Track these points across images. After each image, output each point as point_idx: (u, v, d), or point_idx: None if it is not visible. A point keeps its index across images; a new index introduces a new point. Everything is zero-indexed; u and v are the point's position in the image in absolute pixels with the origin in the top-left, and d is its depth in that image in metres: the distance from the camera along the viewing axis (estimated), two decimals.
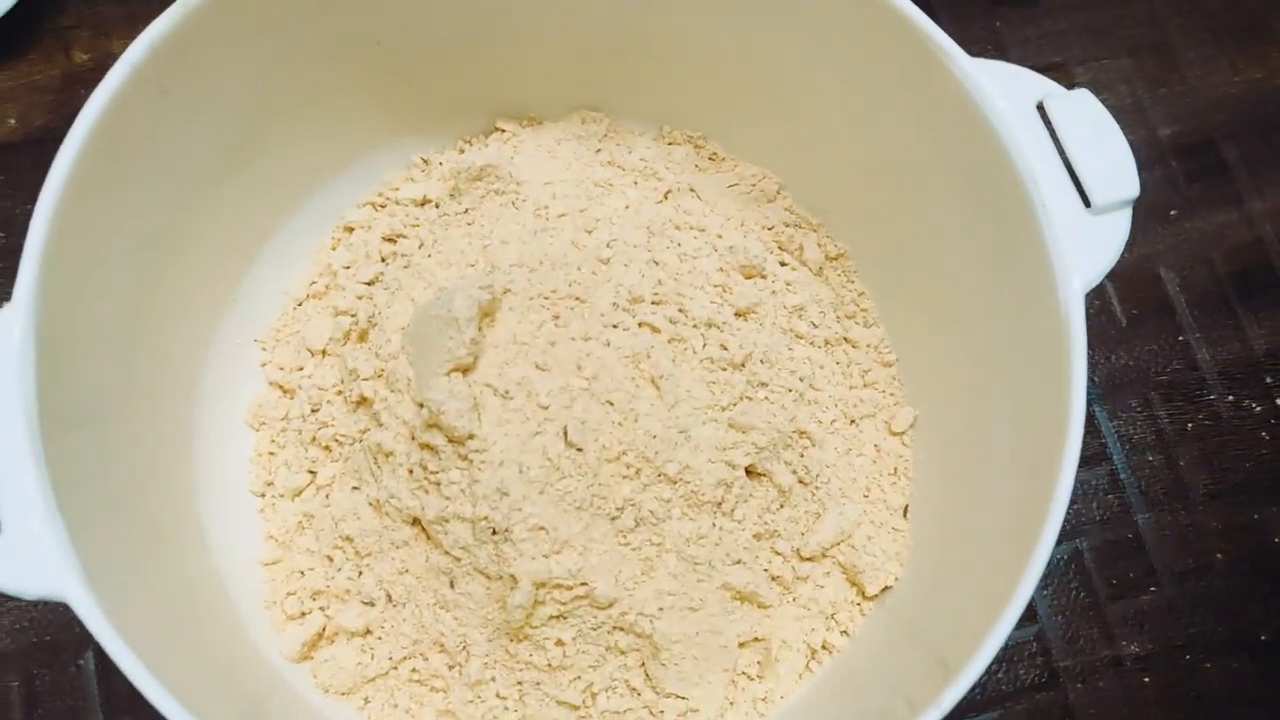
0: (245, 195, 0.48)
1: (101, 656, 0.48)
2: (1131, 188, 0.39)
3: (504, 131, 0.54)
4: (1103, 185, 0.39)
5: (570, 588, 0.42)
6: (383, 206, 0.53)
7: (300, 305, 0.51)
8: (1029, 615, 0.51)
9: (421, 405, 0.43)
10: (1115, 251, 0.39)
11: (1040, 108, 0.41)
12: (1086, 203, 0.39)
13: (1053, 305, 0.39)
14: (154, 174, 0.43)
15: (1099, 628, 0.51)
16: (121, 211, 0.41)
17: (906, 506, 0.48)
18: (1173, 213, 0.59)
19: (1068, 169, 0.40)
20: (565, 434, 0.42)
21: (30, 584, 0.33)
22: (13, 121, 0.55)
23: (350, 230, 0.53)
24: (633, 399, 0.43)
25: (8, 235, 0.53)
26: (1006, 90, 0.41)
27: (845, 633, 0.47)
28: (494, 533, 0.42)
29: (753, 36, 0.48)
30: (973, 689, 0.48)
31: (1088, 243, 0.39)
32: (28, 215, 0.53)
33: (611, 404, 0.43)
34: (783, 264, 0.51)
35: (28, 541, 0.33)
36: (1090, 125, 0.41)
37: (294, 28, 0.44)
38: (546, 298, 0.45)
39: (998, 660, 0.50)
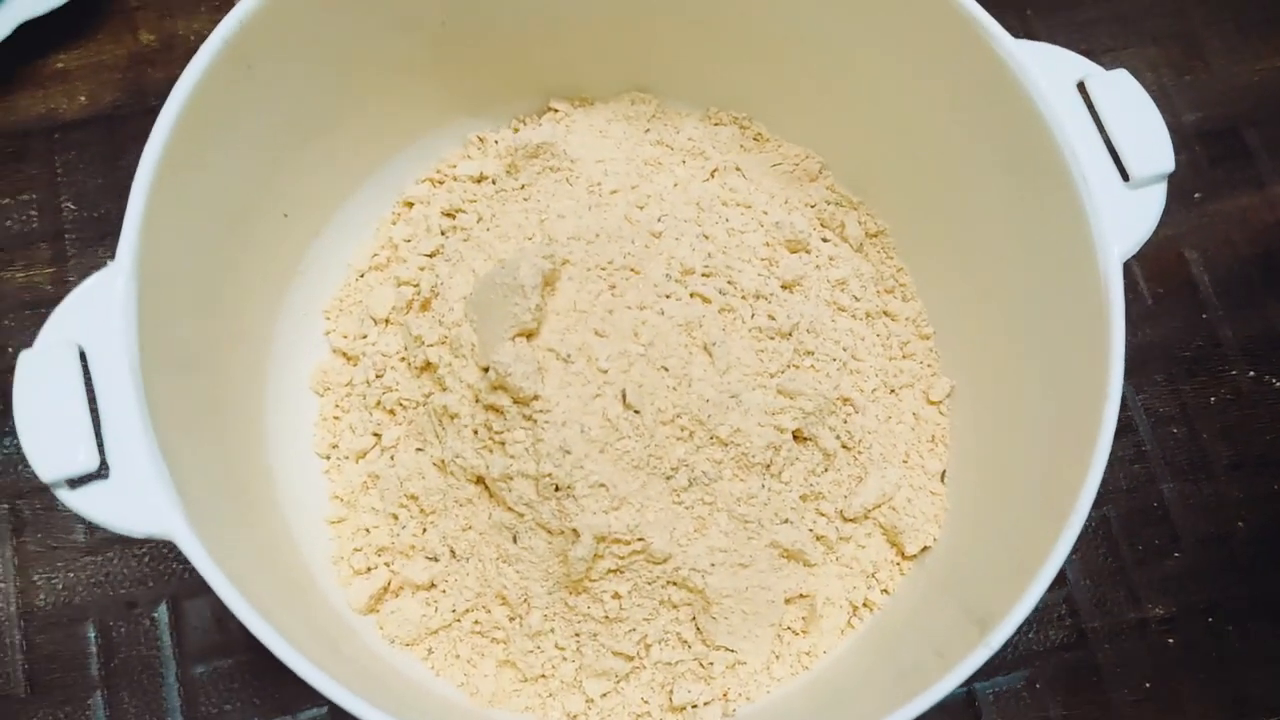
0: (313, 170, 0.50)
1: (175, 609, 0.49)
2: (1167, 162, 0.41)
3: (557, 112, 0.56)
4: (1140, 159, 0.41)
5: (628, 542, 0.43)
6: (441, 183, 0.54)
7: (363, 276, 0.53)
8: (1059, 579, 0.53)
9: (487, 369, 0.44)
10: (1152, 223, 0.41)
11: (1080, 87, 0.43)
12: (1124, 177, 0.41)
13: (1092, 275, 0.41)
14: (235, 146, 0.44)
15: (1125, 591, 0.53)
16: (206, 180, 0.43)
17: (944, 472, 0.50)
18: (1196, 196, 0.61)
19: (1106, 145, 0.42)
20: (624, 396, 0.44)
21: (139, 523, 0.34)
22: (83, 99, 0.57)
23: (410, 205, 0.54)
24: (686, 365, 0.45)
25: (79, 208, 0.55)
26: (1048, 70, 0.43)
27: (885, 591, 0.48)
28: (557, 489, 0.43)
29: (798, 20, 0.50)
30: (1005, 648, 0.50)
31: (1125, 214, 0.41)
32: (99, 189, 0.56)
33: (666, 369, 0.44)
34: (825, 240, 0.53)
35: (135, 483, 0.34)
36: (1128, 103, 0.42)
37: (367, 5, 0.46)
38: (603, 269, 0.46)
39: (1029, 621, 0.52)
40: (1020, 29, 0.63)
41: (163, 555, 0.50)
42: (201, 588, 0.50)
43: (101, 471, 0.35)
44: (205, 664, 0.49)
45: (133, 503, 0.35)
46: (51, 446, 0.34)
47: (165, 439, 0.36)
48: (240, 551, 0.39)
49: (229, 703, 0.48)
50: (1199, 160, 0.61)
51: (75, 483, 0.35)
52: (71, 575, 0.50)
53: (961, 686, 0.49)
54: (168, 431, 0.37)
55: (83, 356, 0.36)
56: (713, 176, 0.54)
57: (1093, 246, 0.41)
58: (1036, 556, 0.38)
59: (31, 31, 0.56)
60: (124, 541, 0.50)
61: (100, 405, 0.35)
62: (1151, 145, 0.42)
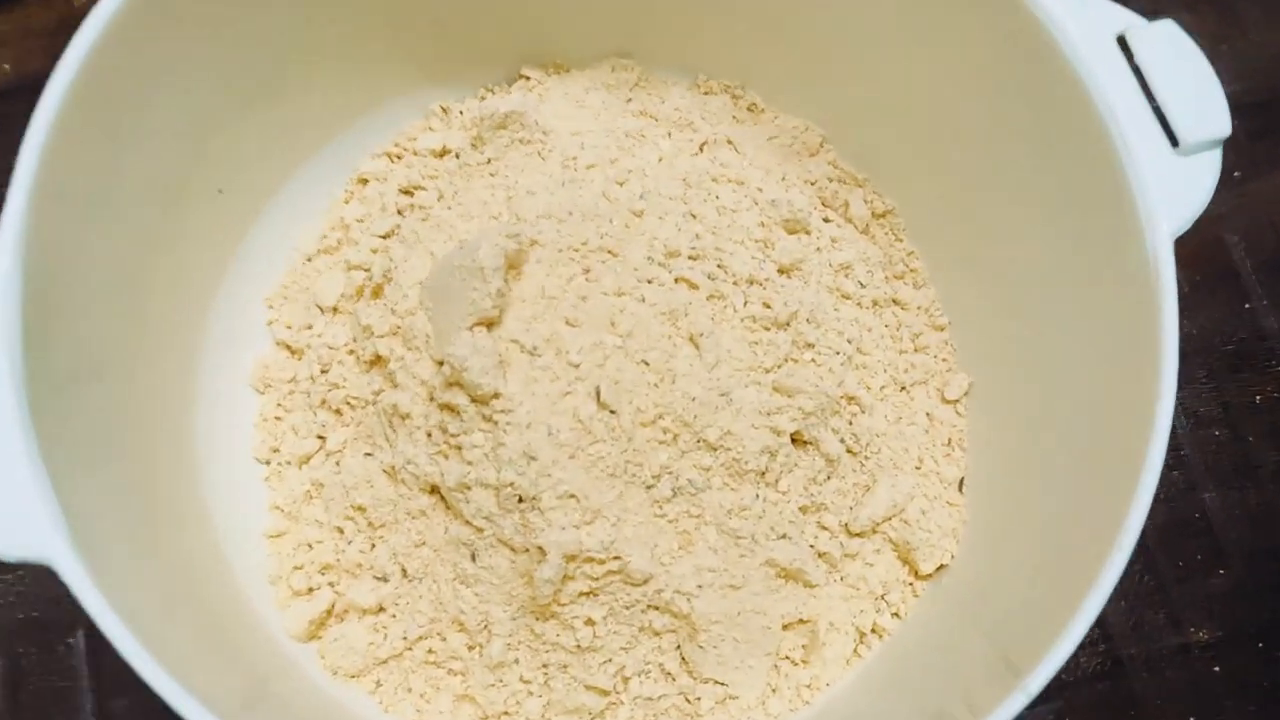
0: (253, 144, 0.46)
1: (93, 635, 0.45)
2: (1223, 125, 0.37)
3: (529, 79, 0.51)
4: (1191, 122, 0.37)
5: (602, 561, 0.39)
6: (399, 157, 0.50)
7: (310, 260, 0.49)
8: None
9: (442, 363, 0.40)
10: (1205, 195, 0.36)
11: (1121, 41, 0.38)
12: (1174, 142, 0.36)
13: (1138, 254, 0.36)
14: (157, 111, 0.40)
15: (1165, 613, 0.48)
16: (120, 150, 0.39)
17: (962, 480, 0.45)
18: (1236, 174, 0.56)
19: (1152, 106, 0.37)
20: (598, 394, 0.39)
21: (10, 544, 0.29)
22: (7, 67, 0.52)
23: (364, 182, 0.50)
24: (670, 358, 0.40)
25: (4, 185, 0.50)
26: (1083, 22, 0.38)
27: (897, 615, 0.44)
28: (520, 500, 0.39)
29: None
30: None
31: (1175, 185, 0.36)
32: None
33: (647, 363, 0.40)
34: (826, 221, 0.48)
35: (8, 497, 0.30)
36: (1176, 58, 0.38)
37: None
38: (576, 250, 0.42)
39: None
40: None
41: None
42: None
43: None
44: (127, 696, 0.44)
45: (4, 522, 0.29)
46: None
47: (53, 454, 0.32)
48: (146, 578, 0.34)
49: None
50: (1238, 135, 0.55)
51: None
52: None
53: None
54: (57, 445, 0.33)
55: None
56: (701, 150, 0.49)
57: (1138, 222, 0.36)
58: (1077, 583, 0.33)
59: None
60: None
61: None
62: (1204, 106, 0.37)
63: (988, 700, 0.33)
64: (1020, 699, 0.31)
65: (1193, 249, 0.54)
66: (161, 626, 0.31)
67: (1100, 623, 0.48)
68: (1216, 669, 0.47)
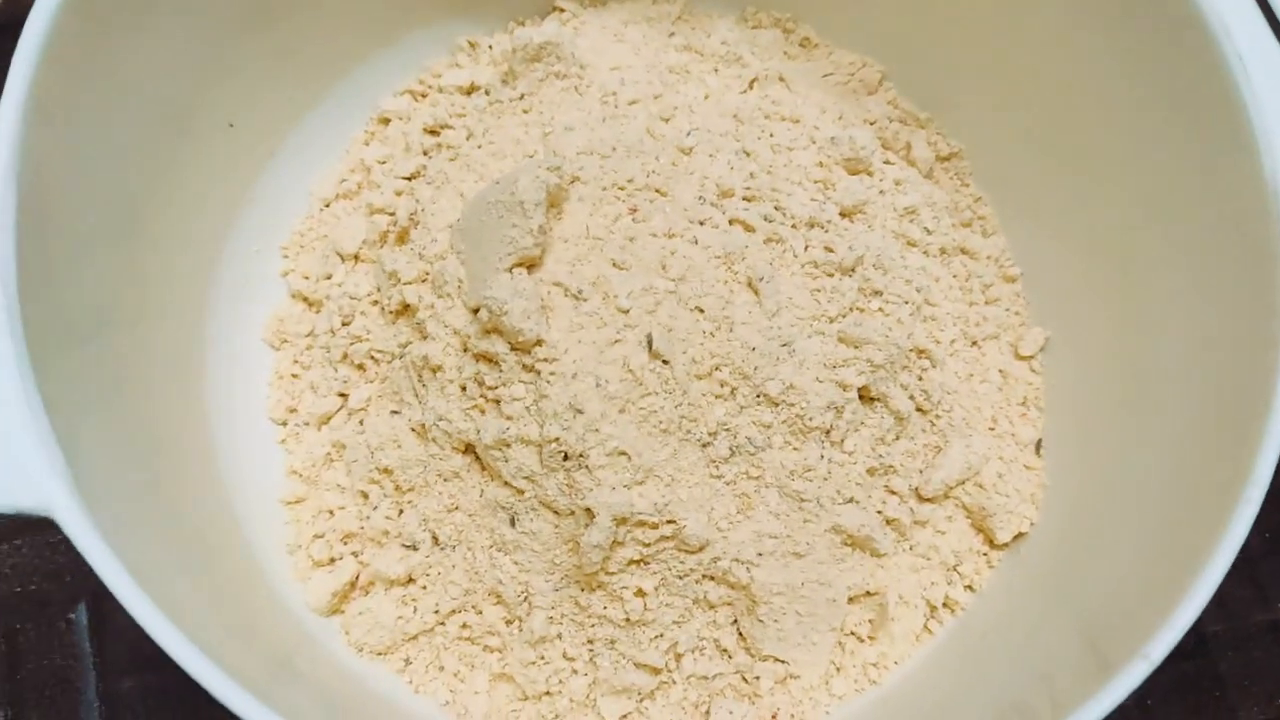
0: (265, 71, 0.43)
1: (96, 610, 0.42)
2: None
3: (563, 12, 0.48)
4: None
5: (655, 526, 0.37)
6: (424, 95, 0.48)
7: (328, 206, 0.46)
8: None
9: (477, 309, 0.37)
10: None
11: None
12: None
13: (1256, 194, 0.33)
14: (158, 33, 0.37)
15: (1252, 588, 0.46)
16: (119, 74, 0.36)
17: (1039, 441, 0.42)
18: None
19: (1274, 26, 0.34)
20: (649, 343, 0.37)
21: (5, 496, 0.27)
22: None
23: (386, 122, 0.47)
24: (727, 305, 0.38)
25: None
26: None
27: (970, 588, 0.41)
28: (566, 458, 0.36)
29: None
30: None
31: None
32: None
33: (702, 310, 0.38)
34: (888, 163, 0.45)
35: (6, 447, 0.27)
36: None
37: None
38: (621, 188, 0.40)
39: None
40: None
41: None
42: None
43: None
44: (133, 677, 0.42)
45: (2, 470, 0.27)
46: None
47: (54, 395, 0.29)
48: (154, 540, 0.32)
49: None
50: None
51: None
52: None
53: None
54: (58, 388, 0.30)
55: None
56: (751, 87, 0.47)
57: (1257, 158, 0.33)
58: (1181, 564, 0.30)
59: None
60: (35, 527, 0.43)
61: None
62: None
63: (1073, 692, 0.29)
64: (1110, 697, 0.28)
65: None
66: (176, 590, 0.29)
67: None
68: None
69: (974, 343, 0.43)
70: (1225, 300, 0.34)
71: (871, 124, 0.47)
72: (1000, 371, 0.43)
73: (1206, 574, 0.29)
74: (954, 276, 0.44)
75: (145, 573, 0.27)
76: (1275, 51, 0.33)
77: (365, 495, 0.41)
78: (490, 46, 0.47)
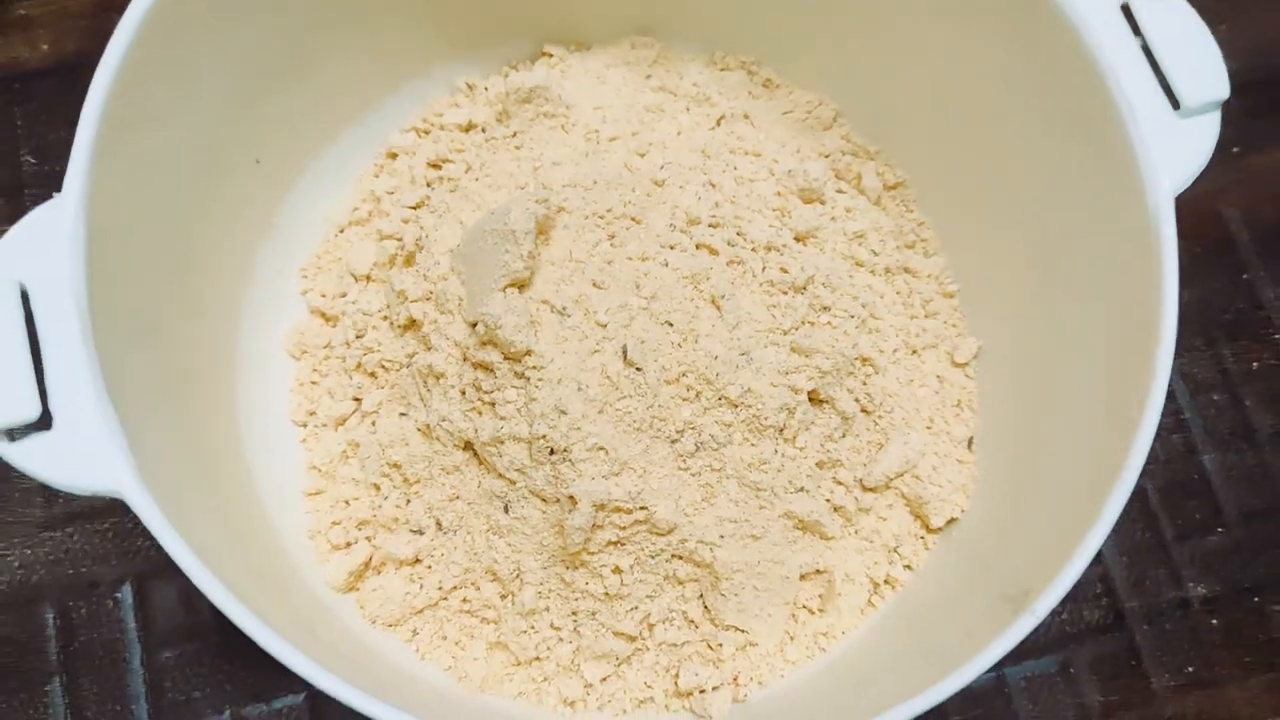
0: (287, 118, 0.47)
1: (140, 590, 0.46)
2: (1222, 88, 0.38)
3: (551, 56, 0.52)
4: (1192, 85, 0.38)
5: (630, 511, 0.41)
6: (427, 132, 0.51)
7: (342, 232, 0.50)
8: (1094, 556, 0.49)
9: (475, 324, 0.41)
10: (1205, 154, 0.38)
11: (1125, 10, 0.39)
12: (1175, 104, 0.38)
13: (1139, 213, 0.38)
14: (198, 84, 0.41)
15: (1165, 569, 0.50)
16: (166, 126, 0.40)
17: (971, 439, 0.47)
18: (1235, 150, 0.57)
19: (1154, 70, 0.39)
20: (624, 352, 0.41)
21: (82, 477, 0.31)
22: (45, 48, 0.54)
23: (394, 156, 0.51)
24: (693, 319, 0.42)
25: (40, 161, 0.52)
26: None
27: (909, 566, 0.45)
28: (552, 453, 0.40)
29: None
30: (1036, 629, 0.47)
31: (1176, 145, 0.38)
32: (61, 141, 0.52)
33: (671, 324, 0.41)
34: (840, 191, 0.50)
35: (81, 433, 0.31)
36: (1178, 25, 0.39)
37: None
38: (601, 216, 0.44)
39: (1061, 601, 0.49)
40: None
41: (127, 532, 0.47)
42: (168, 566, 0.46)
43: (43, 422, 0.32)
44: (172, 648, 0.46)
45: (77, 455, 0.32)
46: None
47: (117, 391, 0.33)
48: (203, 519, 0.36)
49: (198, 689, 0.45)
50: (1236, 112, 0.58)
51: (15, 434, 0.32)
52: (29, 553, 0.46)
53: (991, 671, 0.46)
54: (120, 386, 0.34)
55: (26, 300, 0.33)
56: (719, 124, 0.51)
57: (1140, 181, 0.38)
58: (1079, 523, 0.35)
59: None
60: (85, 516, 0.47)
61: (43, 349, 0.32)
62: (1204, 70, 0.38)
63: (987, 631, 0.34)
64: (1028, 620, 0.33)
65: (1192, 222, 0.56)
66: (225, 562, 0.33)
67: (1104, 578, 0.49)
68: (1214, 622, 0.49)
69: (914, 351, 0.48)
70: (1118, 314, 0.39)
71: (826, 156, 0.51)
72: (938, 377, 0.47)
73: (1084, 548, 0.33)
74: (897, 293, 0.49)
75: (202, 549, 0.32)
76: (1160, 101, 0.38)
77: (377, 487, 0.45)
78: (486, 88, 0.51)
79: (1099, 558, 0.49)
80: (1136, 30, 0.39)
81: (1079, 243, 0.41)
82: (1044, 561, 0.36)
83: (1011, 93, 0.43)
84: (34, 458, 0.31)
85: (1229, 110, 0.57)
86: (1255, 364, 0.53)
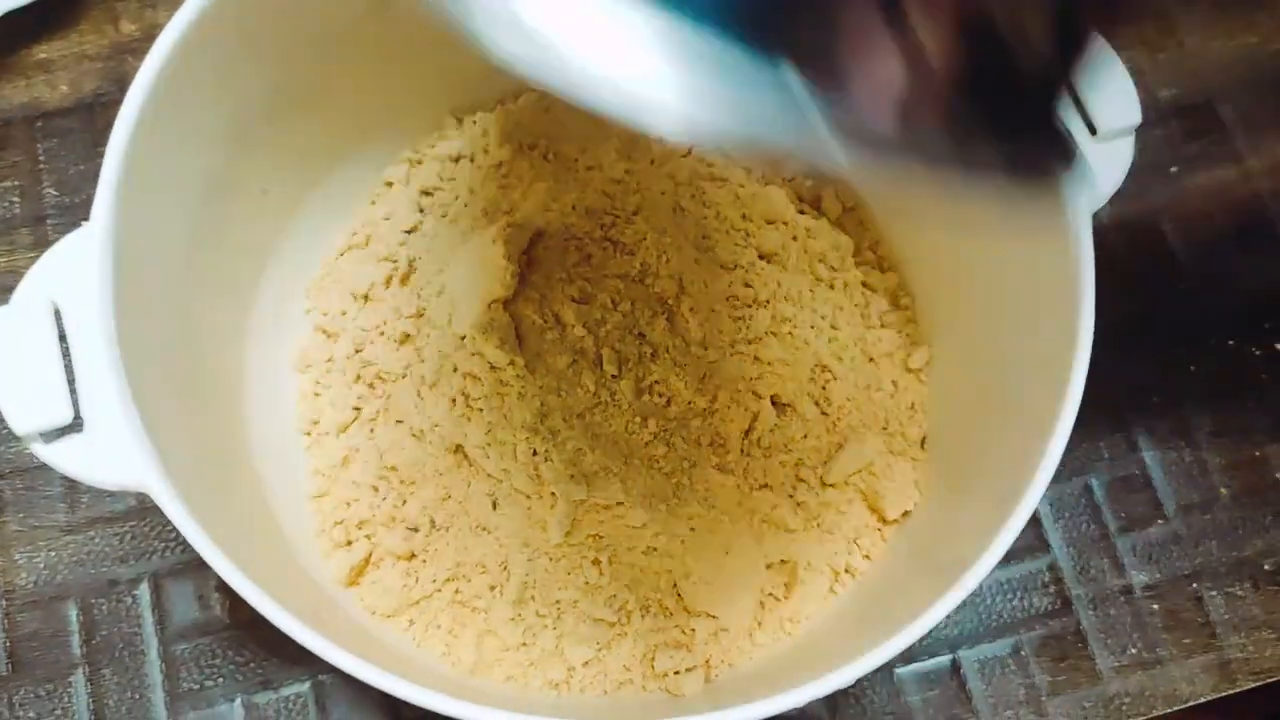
0: (292, 149, 0.50)
1: (156, 588, 0.50)
2: (1134, 114, 0.42)
3: (534, 93, 0.56)
4: (1107, 113, 0.42)
5: (607, 508, 0.44)
6: (419, 162, 0.54)
7: (343, 255, 0.53)
8: (1042, 547, 0.53)
9: (463, 338, 0.45)
10: (1120, 174, 0.41)
11: None
12: (1092, 131, 0.42)
13: (1060, 230, 0.41)
14: (210, 125, 0.44)
15: (1109, 559, 0.53)
16: (183, 150, 0.43)
17: (924, 439, 0.50)
18: (1173, 170, 0.61)
19: (1074, 101, 0.42)
20: (601, 362, 0.44)
21: (112, 474, 0.34)
22: (64, 88, 0.58)
23: (389, 185, 0.54)
24: (665, 333, 0.45)
25: (61, 193, 0.56)
26: None
27: (867, 556, 0.48)
28: (534, 455, 0.44)
29: None
30: (989, 617, 0.50)
31: (1094, 167, 0.41)
32: (80, 175, 0.56)
33: (644, 337, 0.45)
34: (802, 213, 0.54)
35: (110, 434, 0.35)
36: (1095, 60, 0.43)
37: None
38: (580, 239, 0.47)
39: (1012, 590, 0.53)
40: None
41: (144, 534, 0.50)
42: (182, 566, 0.50)
43: (76, 424, 0.35)
44: (186, 641, 0.49)
45: (106, 454, 0.35)
46: (25, 399, 0.35)
47: (142, 398, 0.36)
48: (219, 518, 0.39)
49: (211, 678, 0.48)
50: (1175, 135, 0.62)
51: (50, 436, 0.35)
52: (53, 554, 0.50)
53: (946, 655, 0.50)
54: (144, 393, 0.37)
55: (59, 317, 0.37)
56: (689, 153, 0.54)
57: (1060, 201, 0.41)
58: (997, 525, 0.38)
59: (14, 23, 0.57)
60: (105, 520, 0.50)
61: (75, 360, 0.35)
62: (1118, 99, 0.42)
63: (925, 604, 0.38)
64: (956, 594, 0.36)
65: (1135, 237, 0.60)
66: (243, 557, 0.36)
67: (1052, 567, 0.53)
68: (1155, 607, 0.52)
69: (871, 359, 0.51)
70: (1045, 325, 0.41)
71: (790, 181, 0.55)
72: (893, 382, 0.51)
73: (1003, 535, 0.37)
74: (855, 306, 0.52)
75: (221, 540, 0.35)
76: (1077, 124, 0.42)
77: (376, 489, 0.47)
78: (474, 121, 0.56)
79: (1047, 548, 0.53)
80: None
81: (1010, 259, 0.45)
82: (980, 545, 0.39)
83: None
84: (68, 458, 0.35)
85: (1168, 133, 0.62)
86: (1193, 367, 0.57)
